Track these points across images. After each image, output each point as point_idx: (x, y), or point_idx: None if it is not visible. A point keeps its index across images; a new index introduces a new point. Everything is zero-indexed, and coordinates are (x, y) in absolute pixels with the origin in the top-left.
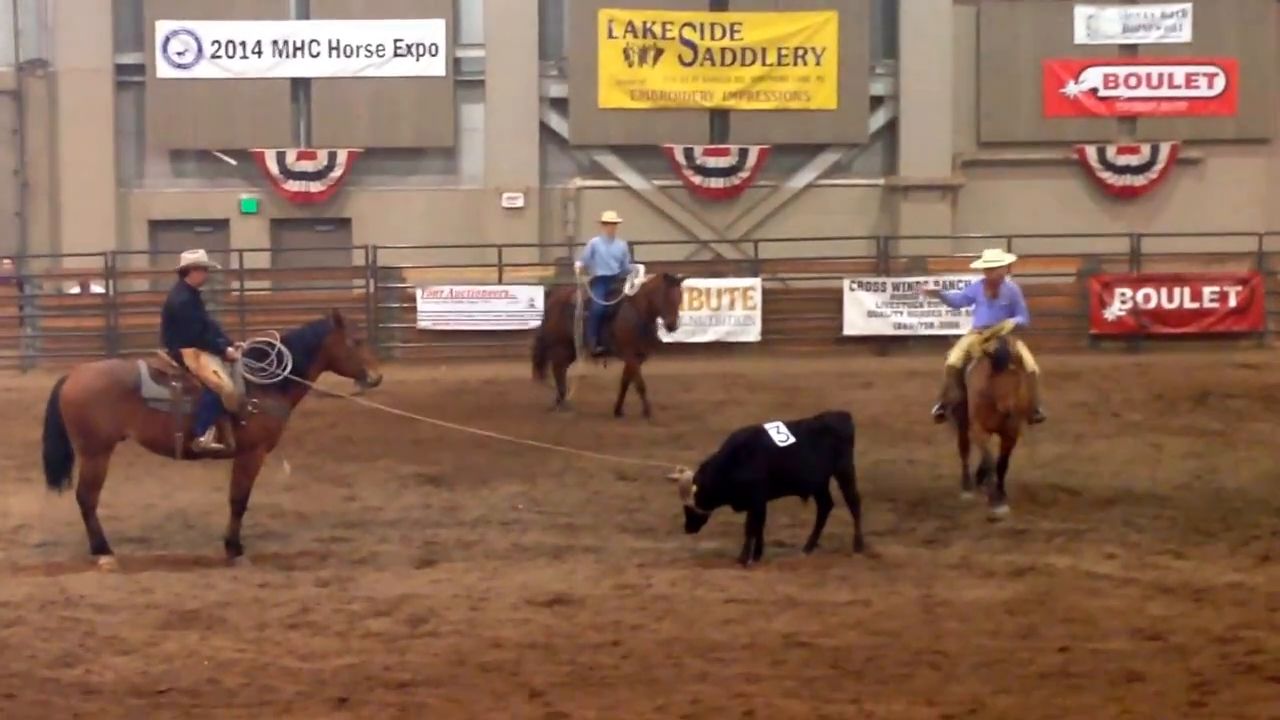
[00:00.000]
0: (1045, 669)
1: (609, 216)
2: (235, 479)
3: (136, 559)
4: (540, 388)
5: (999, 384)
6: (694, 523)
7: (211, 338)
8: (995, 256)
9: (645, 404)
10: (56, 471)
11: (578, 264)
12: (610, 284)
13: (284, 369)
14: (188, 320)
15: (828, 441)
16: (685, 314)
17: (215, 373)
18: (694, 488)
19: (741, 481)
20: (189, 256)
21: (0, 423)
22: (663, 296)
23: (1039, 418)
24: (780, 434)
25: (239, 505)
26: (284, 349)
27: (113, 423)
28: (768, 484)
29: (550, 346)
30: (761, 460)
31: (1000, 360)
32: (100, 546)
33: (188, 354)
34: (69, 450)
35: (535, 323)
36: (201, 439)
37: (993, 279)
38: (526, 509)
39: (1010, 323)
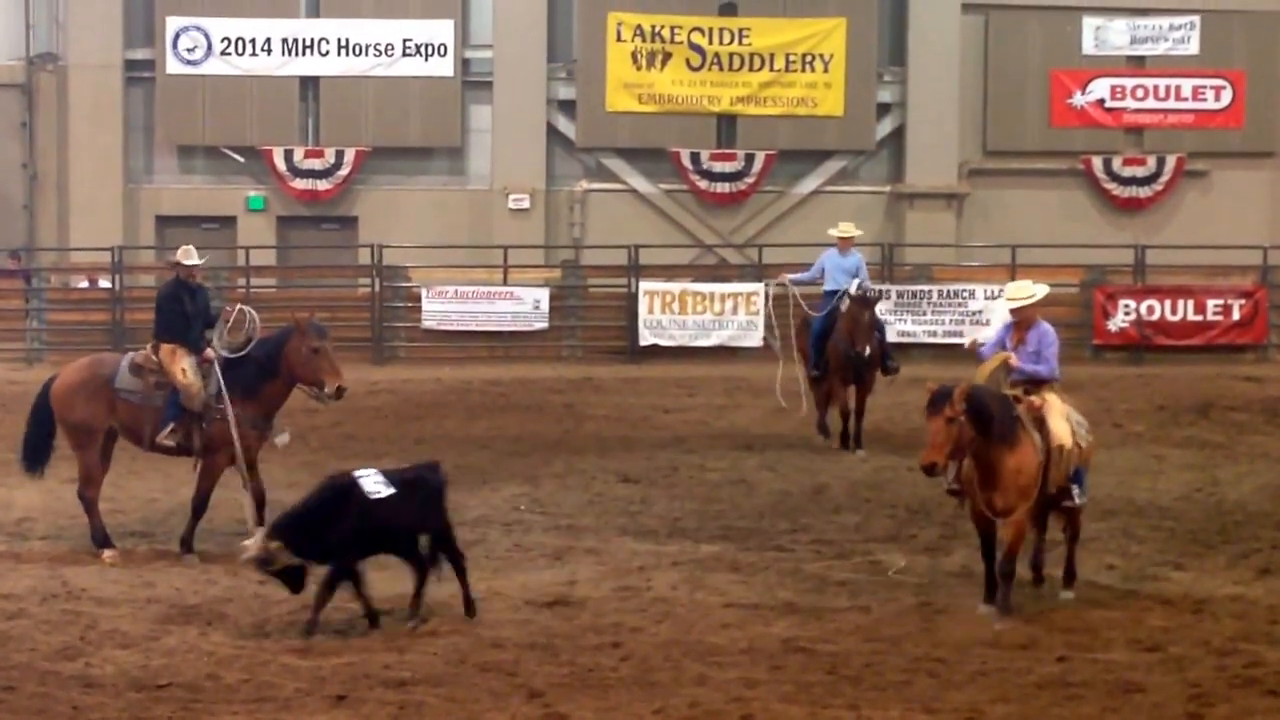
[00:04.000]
0: (1043, 678)
1: (844, 230)
2: (197, 481)
3: (139, 553)
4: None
5: (977, 469)
6: (293, 580)
7: (194, 335)
8: (1021, 290)
9: (846, 432)
10: (32, 459)
11: (788, 276)
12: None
13: (251, 335)
14: (169, 314)
15: (420, 495)
16: (715, 319)
17: (183, 370)
18: (278, 545)
19: (327, 536)
20: (179, 253)
21: (4, 415)
22: (849, 318)
23: (1072, 503)
24: (375, 483)
25: (195, 506)
26: (252, 312)
27: (91, 413)
28: (355, 541)
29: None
30: (351, 513)
31: (927, 409)
32: (103, 540)
33: (165, 349)
34: (49, 441)
35: (540, 325)
36: (159, 435)
37: (1022, 319)
38: (528, 510)
39: (1010, 358)
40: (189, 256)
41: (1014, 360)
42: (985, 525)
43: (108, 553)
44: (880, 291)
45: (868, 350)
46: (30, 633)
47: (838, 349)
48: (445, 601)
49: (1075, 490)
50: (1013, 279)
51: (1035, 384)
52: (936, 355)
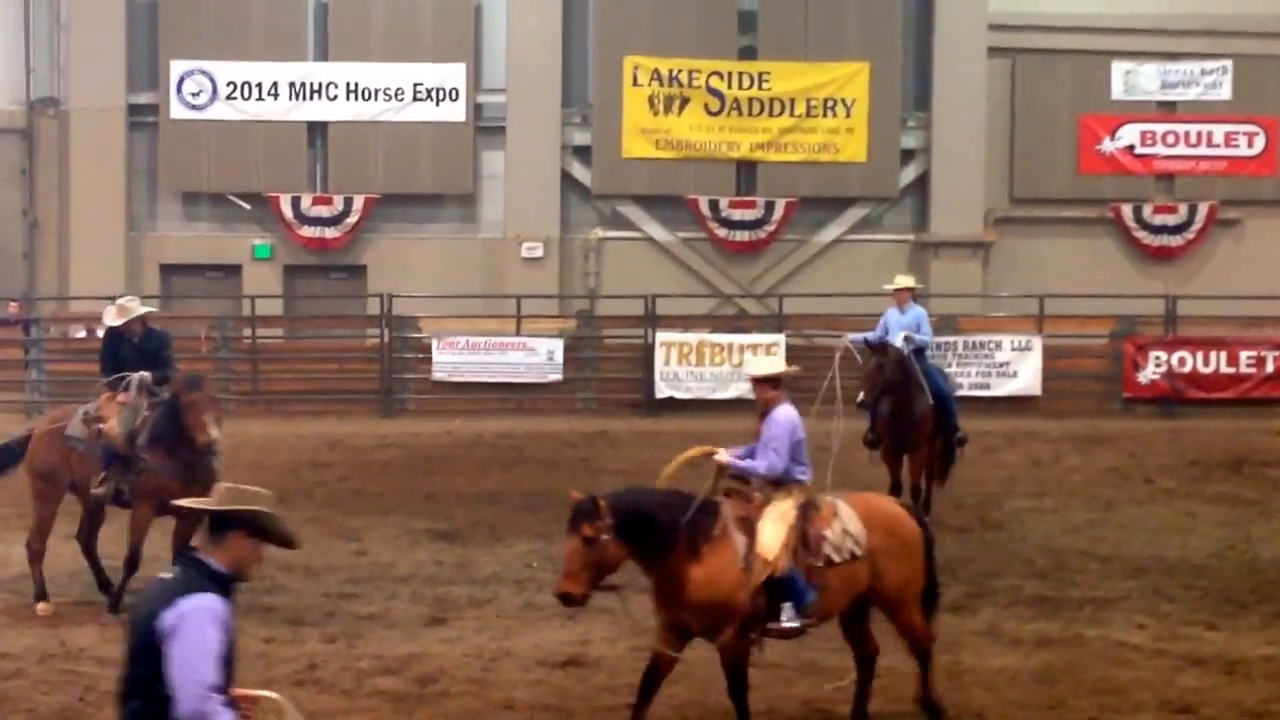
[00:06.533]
0: None
1: (901, 281)
2: (129, 534)
3: None
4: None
5: (654, 584)
6: None
7: (117, 380)
8: (756, 367)
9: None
10: None
11: (850, 338)
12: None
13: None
14: (102, 359)
15: None
16: (733, 371)
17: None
18: None
19: None
20: (108, 310)
21: None
22: (869, 366)
23: (778, 626)
24: None
25: (127, 560)
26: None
27: (53, 464)
28: None
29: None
30: None
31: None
32: (40, 594)
33: (104, 396)
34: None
35: (554, 376)
36: (92, 485)
37: (761, 400)
38: (540, 566)
39: (716, 453)
40: (117, 314)
41: (721, 457)
42: (668, 647)
43: (41, 605)
44: (916, 341)
45: (883, 405)
46: (28, 694)
47: (881, 414)
48: (456, 661)
49: (787, 611)
50: (1040, 330)
51: (777, 483)
52: (961, 408)
